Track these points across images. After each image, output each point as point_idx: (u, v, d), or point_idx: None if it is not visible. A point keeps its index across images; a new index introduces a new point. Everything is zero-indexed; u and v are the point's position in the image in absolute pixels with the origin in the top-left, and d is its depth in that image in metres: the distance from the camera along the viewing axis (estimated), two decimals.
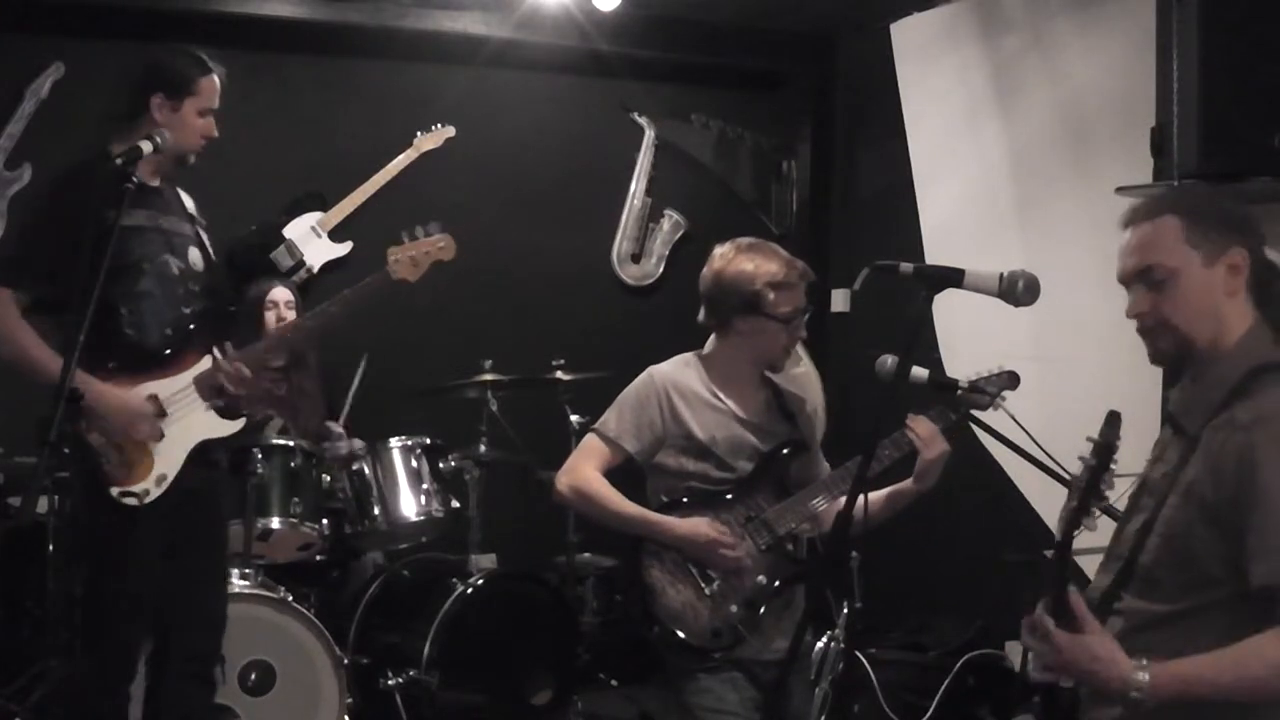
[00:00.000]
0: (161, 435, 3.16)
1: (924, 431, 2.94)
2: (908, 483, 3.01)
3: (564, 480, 3.11)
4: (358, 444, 4.45)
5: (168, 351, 3.21)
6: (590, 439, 3.14)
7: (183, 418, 3.20)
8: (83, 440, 3.08)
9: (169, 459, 3.17)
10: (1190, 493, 2.07)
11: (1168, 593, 2.06)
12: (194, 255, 3.32)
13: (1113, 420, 2.13)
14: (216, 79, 3.30)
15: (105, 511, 3.10)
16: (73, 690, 3.27)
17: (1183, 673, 1.98)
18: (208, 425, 3.26)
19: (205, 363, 3.25)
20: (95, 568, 3.16)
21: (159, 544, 3.22)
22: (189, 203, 3.42)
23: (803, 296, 3.10)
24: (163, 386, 3.18)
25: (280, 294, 4.64)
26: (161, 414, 3.16)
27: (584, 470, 3.09)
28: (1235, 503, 1.99)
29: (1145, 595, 2.10)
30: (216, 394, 3.26)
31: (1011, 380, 3.01)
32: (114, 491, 3.09)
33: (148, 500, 3.13)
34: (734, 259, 3.10)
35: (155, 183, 3.27)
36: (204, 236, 3.39)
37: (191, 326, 3.26)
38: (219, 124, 3.33)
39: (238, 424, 3.32)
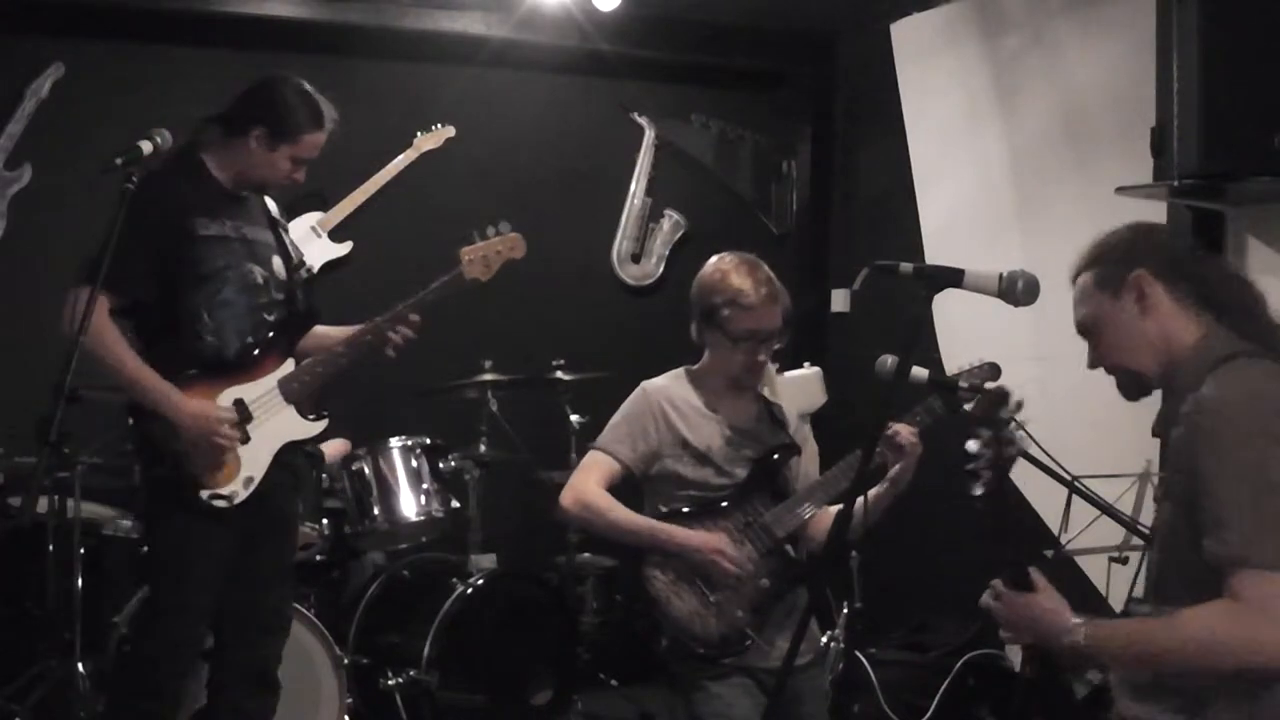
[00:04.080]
0: (247, 438, 3.19)
1: (903, 437, 2.93)
2: (881, 486, 3.00)
3: (567, 497, 3.11)
4: None
5: (252, 356, 3.24)
6: (589, 455, 3.16)
7: (268, 420, 3.23)
8: (165, 447, 3.11)
9: (256, 461, 3.21)
10: (1169, 493, 2.12)
11: (1177, 596, 2.06)
12: (277, 263, 3.35)
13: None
14: (324, 135, 3.30)
15: (188, 516, 3.14)
16: (124, 677, 3.32)
17: (1119, 623, 2.07)
18: (293, 427, 3.30)
19: (288, 366, 3.29)
20: (169, 572, 3.18)
21: (234, 545, 3.25)
22: (273, 207, 3.44)
23: (768, 321, 3.04)
24: (247, 390, 3.21)
25: None
26: (248, 418, 3.19)
27: (586, 484, 3.09)
28: (1191, 489, 2.03)
29: (1163, 603, 2.11)
30: (392, 346, 3.35)
31: (993, 371, 3.02)
32: (204, 495, 3.13)
33: (237, 501, 3.17)
34: (711, 269, 3.12)
35: (242, 192, 3.30)
36: (287, 241, 3.42)
37: (273, 332, 3.29)
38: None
39: (321, 424, 3.35)
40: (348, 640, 4.30)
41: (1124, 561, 3.64)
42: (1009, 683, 4.45)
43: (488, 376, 4.64)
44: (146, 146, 3.11)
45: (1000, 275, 2.37)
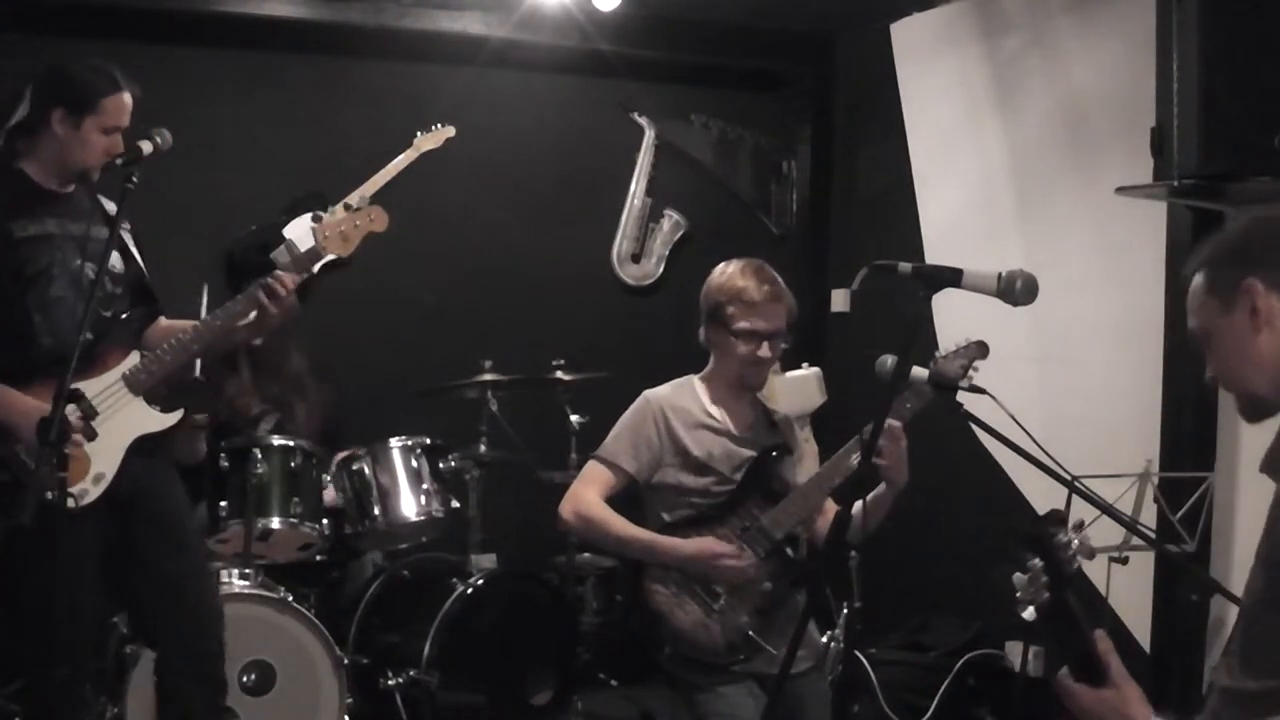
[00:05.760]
0: (94, 434, 3.09)
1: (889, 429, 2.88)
2: (880, 487, 2.98)
3: (567, 507, 3.12)
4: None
5: (93, 352, 3.15)
6: (590, 465, 3.17)
7: (115, 414, 3.15)
8: (5, 450, 3.02)
9: (106, 457, 3.12)
10: (1258, 556, 1.87)
11: (1246, 668, 1.84)
12: (113, 258, 3.24)
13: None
14: (126, 97, 3.18)
15: (40, 517, 2.96)
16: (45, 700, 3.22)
17: None
18: (143, 420, 3.21)
19: (132, 359, 3.21)
20: (34, 578, 3.04)
21: (106, 547, 3.17)
22: (110, 205, 3.31)
23: (770, 319, 3.07)
24: (89, 386, 3.12)
25: None
26: (92, 413, 3.10)
27: (586, 495, 3.10)
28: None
29: (1254, 676, 1.84)
30: (271, 304, 3.26)
31: (981, 350, 2.93)
32: (49, 495, 2.96)
33: (85, 501, 3.07)
34: (719, 272, 3.16)
35: (66, 189, 3.20)
36: (127, 238, 3.32)
37: (113, 327, 3.21)
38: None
39: (174, 417, 3.27)
40: (348, 640, 4.30)
41: (1124, 561, 3.64)
42: (1009, 683, 4.46)
43: (488, 376, 4.64)
44: (146, 146, 3.11)
45: (999, 275, 2.38)
